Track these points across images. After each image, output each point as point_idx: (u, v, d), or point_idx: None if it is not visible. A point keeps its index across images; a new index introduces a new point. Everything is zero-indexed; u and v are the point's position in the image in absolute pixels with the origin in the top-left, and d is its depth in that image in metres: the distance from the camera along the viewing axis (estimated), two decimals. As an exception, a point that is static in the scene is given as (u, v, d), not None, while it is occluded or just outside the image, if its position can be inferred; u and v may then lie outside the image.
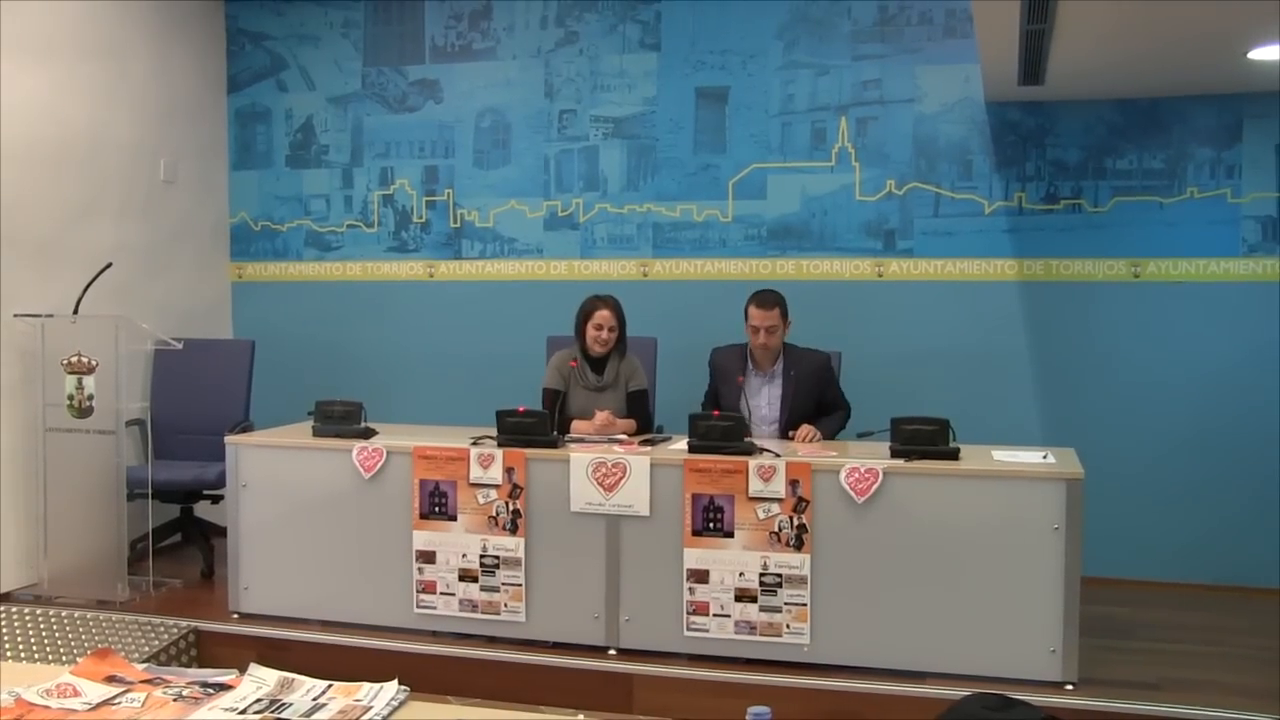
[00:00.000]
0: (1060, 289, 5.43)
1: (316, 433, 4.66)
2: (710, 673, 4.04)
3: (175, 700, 1.92)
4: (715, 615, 4.12)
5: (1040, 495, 3.87)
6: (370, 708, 1.90)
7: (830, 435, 4.68)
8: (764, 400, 4.80)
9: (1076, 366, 5.41)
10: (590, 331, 4.83)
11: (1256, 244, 5.21)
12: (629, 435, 4.66)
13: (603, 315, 4.82)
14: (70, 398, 4.94)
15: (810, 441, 4.52)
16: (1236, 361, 5.21)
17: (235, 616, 4.65)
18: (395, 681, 1.98)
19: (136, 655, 4.24)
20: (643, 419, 4.92)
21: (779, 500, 4.04)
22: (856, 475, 3.98)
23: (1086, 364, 5.40)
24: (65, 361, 4.94)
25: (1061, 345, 5.44)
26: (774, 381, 4.81)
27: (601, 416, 4.69)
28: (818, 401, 4.79)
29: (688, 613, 4.15)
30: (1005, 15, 3.84)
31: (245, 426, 5.24)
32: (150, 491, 5.09)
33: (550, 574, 4.30)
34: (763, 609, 4.07)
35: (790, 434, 4.66)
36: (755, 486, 4.05)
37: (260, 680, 2.00)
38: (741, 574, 4.08)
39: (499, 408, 4.44)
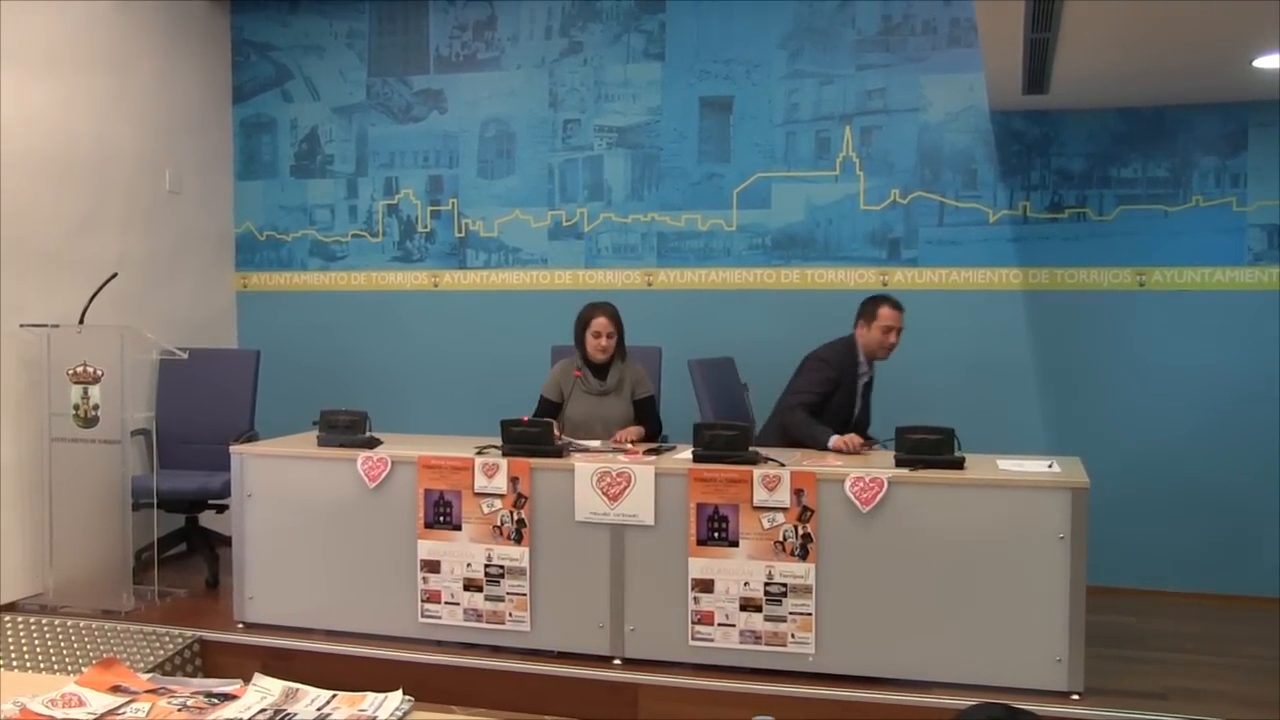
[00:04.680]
0: (1065, 298, 5.43)
1: (321, 442, 4.66)
2: (715, 682, 4.03)
3: (180, 710, 1.91)
4: (720, 625, 4.11)
5: (1045, 504, 3.86)
6: (375, 718, 1.89)
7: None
8: (860, 399, 4.86)
9: (1081, 375, 5.41)
10: (590, 340, 4.84)
11: (1262, 252, 5.21)
12: (635, 442, 4.66)
13: (600, 323, 4.83)
14: (76, 408, 4.94)
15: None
16: (1242, 370, 5.20)
17: (240, 626, 4.65)
18: (400, 691, 1.98)
19: (141, 665, 4.23)
20: (655, 424, 4.94)
21: (783, 510, 4.03)
22: (861, 484, 3.97)
23: (1091, 373, 5.39)
24: (71, 371, 4.95)
25: (1066, 354, 5.43)
26: (866, 381, 4.88)
27: (622, 434, 4.72)
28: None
29: (692, 622, 4.14)
30: (1010, 24, 3.84)
31: (250, 436, 5.24)
32: (155, 501, 5.10)
33: (555, 583, 4.30)
34: (768, 618, 4.06)
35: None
36: (760, 496, 4.05)
37: (265, 690, 2.00)
38: (746, 583, 4.08)
39: (503, 417, 4.45)
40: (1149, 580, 5.23)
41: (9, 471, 5.03)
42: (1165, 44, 4.20)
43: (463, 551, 4.36)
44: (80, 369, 4.95)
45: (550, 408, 4.88)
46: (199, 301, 6.27)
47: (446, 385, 6.20)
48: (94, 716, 1.89)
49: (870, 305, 4.80)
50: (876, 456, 4.29)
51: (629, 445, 4.58)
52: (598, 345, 4.83)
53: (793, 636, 4.04)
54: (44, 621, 4.73)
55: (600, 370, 4.90)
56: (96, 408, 4.93)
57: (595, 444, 4.59)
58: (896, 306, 4.76)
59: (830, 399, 4.72)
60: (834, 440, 4.44)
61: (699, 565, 4.12)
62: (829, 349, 4.83)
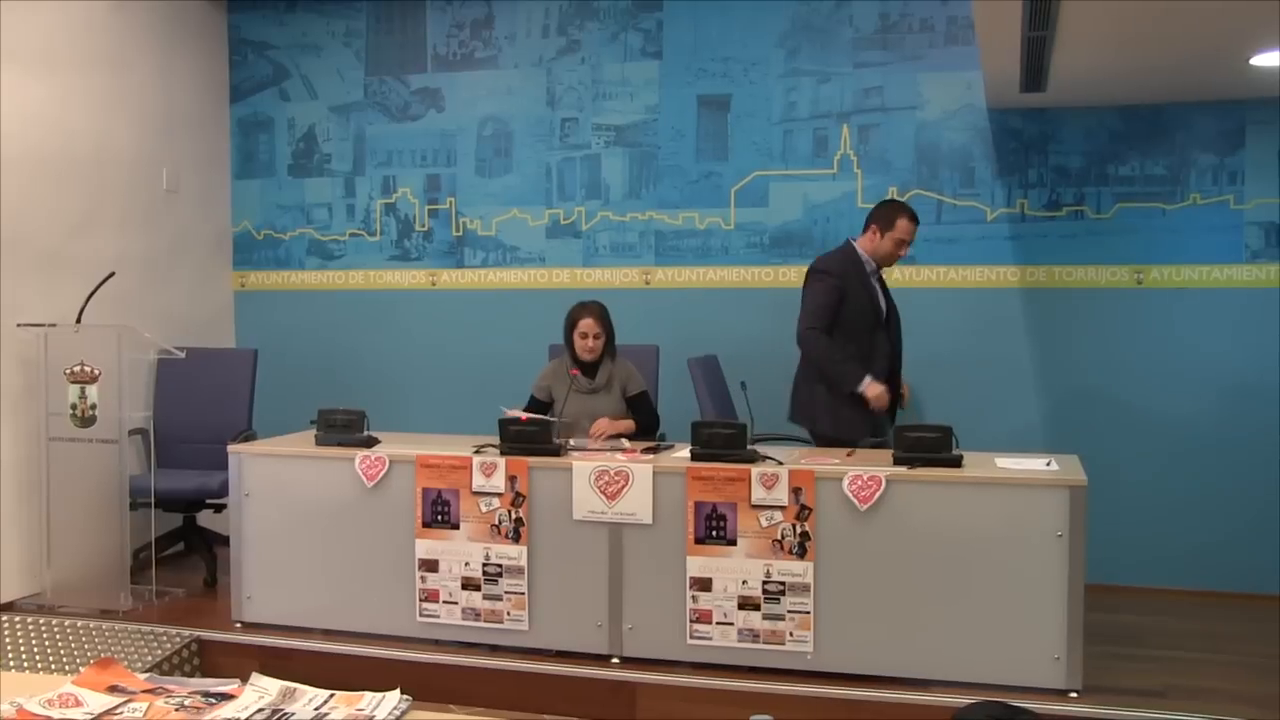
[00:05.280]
0: (1063, 296, 5.43)
1: (319, 441, 4.65)
2: (713, 681, 4.03)
3: (177, 710, 1.91)
4: (718, 623, 4.11)
5: (1044, 502, 3.86)
6: (373, 717, 1.89)
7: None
8: (881, 301, 4.81)
9: (1079, 373, 5.41)
10: (577, 340, 4.86)
11: (1260, 250, 5.21)
12: (631, 440, 4.66)
13: (587, 324, 4.85)
14: (73, 407, 4.94)
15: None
16: (1240, 368, 5.21)
17: (238, 626, 4.65)
18: (398, 691, 1.98)
19: (139, 665, 4.23)
20: (651, 418, 4.96)
21: (782, 508, 4.03)
22: (859, 483, 3.97)
23: (1089, 371, 5.39)
24: (68, 371, 4.95)
25: (1064, 352, 5.43)
26: (879, 284, 4.82)
27: (599, 425, 4.74)
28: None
29: (691, 621, 4.14)
30: (1007, 22, 3.84)
31: (248, 435, 5.24)
32: (153, 501, 5.09)
33: (553, 582, 4.29)
34: (766, 617, 4.06)
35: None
36: (758, 494, 4.04)
37: (263, 690, 2.00)
38: (744, 582, 4.08)
39: (501, 416, 4.44)
40: (1147, 578, 5.23)
41: (6, 471, 5.02)
42: (1163, 42, 4.20)
43: (461, 550, 4.36)
44: (78, 368, 4.94)
45: (538, 407, 4.89)
46: (196, 301, 6.26)
47: (444, 384, 6.20)
48: (91, 717, 1.88)
49: (888, 213, 4.72)
50: (874, 455, 4.27)
51: (625, 444, 4.58)
52: (585, 346, 4.85)
53: (791, 635, 4.04)
54: (41, 621, 4.72)
55: (589, 369, 4.91)
56: (94, 407, 4.93)
57: (597, 445, 4.59)
58: (915, 219, 4.71)
59: (843, 308, 4.65)
60: (866, 384, 4.43)
61: (697, 564, 4.12)
62: (825, 259, 4.80)
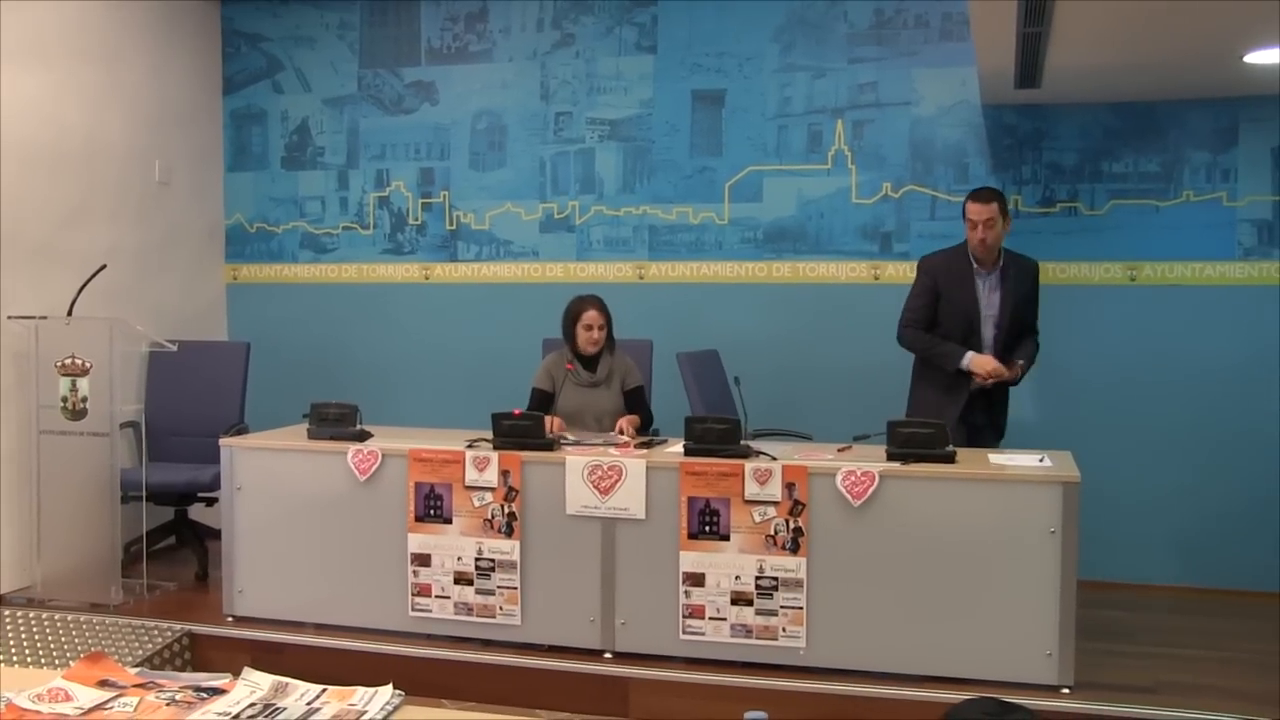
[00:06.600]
0: (1056, 292, 5.41)
1: (311, 435, 4.64)
2: (706, 676, 4.03)
3: (168, 705, 1.90)
4: (711, 618, 4.11)
5: (1037, 499, 3.87)
6: (365, 712, 1.88)
7: (1029, 361, 4.69)
8: (986, 299, 4.67)
9: (1073, 369, 5.41)
10: (580, 333, 4.85)
11: (1252, 247, 5.22)
12: (635, 433, 4.67)
13: (591, 315, 4.84)
14: (64, 400, 4.92)
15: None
16: (1233, 364, 5.21)
17: (229, 620, 4.64)
18: (390, 685, 1.97)
19: (130, 659, 4.22)
20: (646, 413, 4.97)
21: (775, 503, 4.03)
22: (853, 478, 3.97)
23: (1083, 367, 5.40)
24: (59, 363, 4.93)
25: (1058, 348, 5.42)
26: (995, 281, 4.67)
27: (625, 422, 4.76)
28: (1024, 308, 4.74)
29: (684, 616, 4.14)
30: (1002, 18, 3.84)
31: (240, 429, 5.22)
32: (144, 494, 5.08)
33: (546, 577, 4.29)
34: (759, 612, 4.06)
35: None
36: (751, 489, 4.04)
37: (254, 684, 1.99)
38: (737, 577, 4.08)
39: (494, 410, 4.44)
40: (1141, 574, 5.24)
41: (-3, 464, 5.02)
42: (1157, 39, 4.20)
43: (453, 545, 4.35)
44: (69, 361, 4.92)
45: (543, 398, 4.88)
46: (189, 293, 6.24)
47: (437, 378, 6.18)
48: (81, 711, 1.87)
49: (964, 203, 4.64)
50: (868, 451, 4.27)
51: (625, 439, 4.57)
52: (589, 338, 4.83)
53: (784, 630, 4.04)
54: (31, 615, 4.71)
55: (590, 362, 4.90)
56: (85, 400, 4.91)
57: (594, 440, 4.59)
58: (977, 198, 4.56)
59: (940, 306, 4.58)
60: (969, 360, 4.30)
61: (690, 559, 4.12)
62: (933, 253, 4.74)
